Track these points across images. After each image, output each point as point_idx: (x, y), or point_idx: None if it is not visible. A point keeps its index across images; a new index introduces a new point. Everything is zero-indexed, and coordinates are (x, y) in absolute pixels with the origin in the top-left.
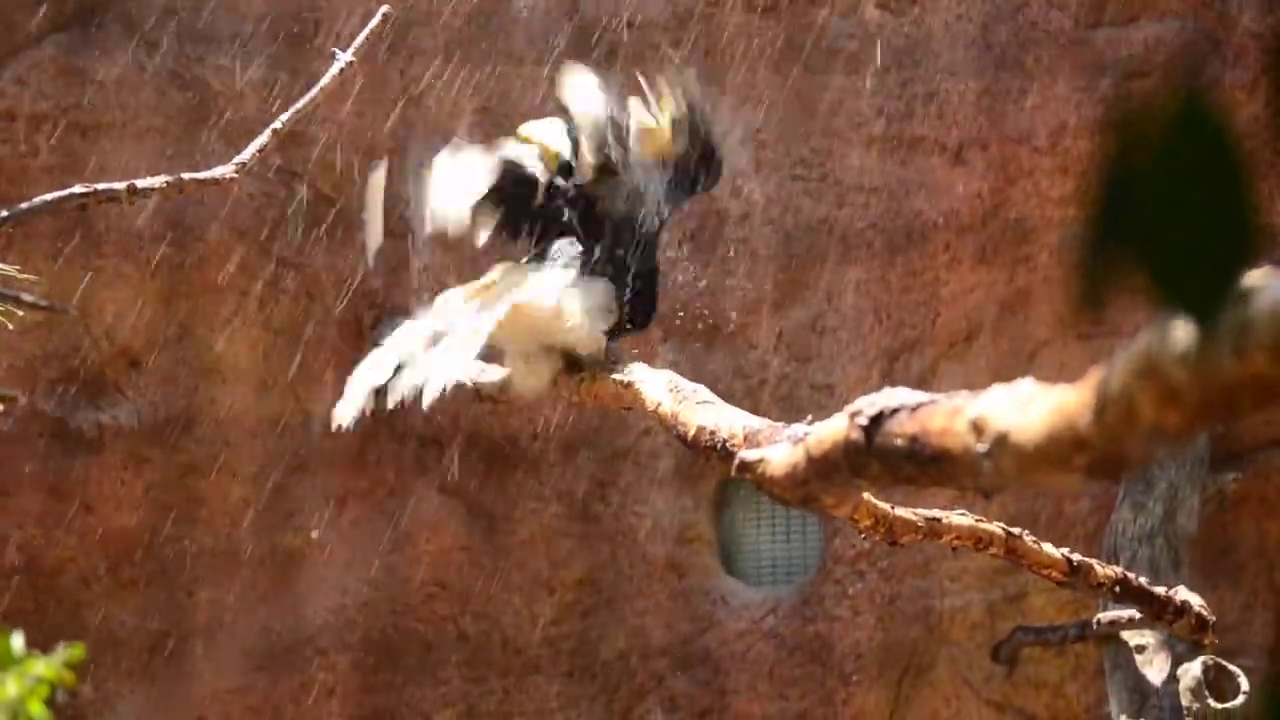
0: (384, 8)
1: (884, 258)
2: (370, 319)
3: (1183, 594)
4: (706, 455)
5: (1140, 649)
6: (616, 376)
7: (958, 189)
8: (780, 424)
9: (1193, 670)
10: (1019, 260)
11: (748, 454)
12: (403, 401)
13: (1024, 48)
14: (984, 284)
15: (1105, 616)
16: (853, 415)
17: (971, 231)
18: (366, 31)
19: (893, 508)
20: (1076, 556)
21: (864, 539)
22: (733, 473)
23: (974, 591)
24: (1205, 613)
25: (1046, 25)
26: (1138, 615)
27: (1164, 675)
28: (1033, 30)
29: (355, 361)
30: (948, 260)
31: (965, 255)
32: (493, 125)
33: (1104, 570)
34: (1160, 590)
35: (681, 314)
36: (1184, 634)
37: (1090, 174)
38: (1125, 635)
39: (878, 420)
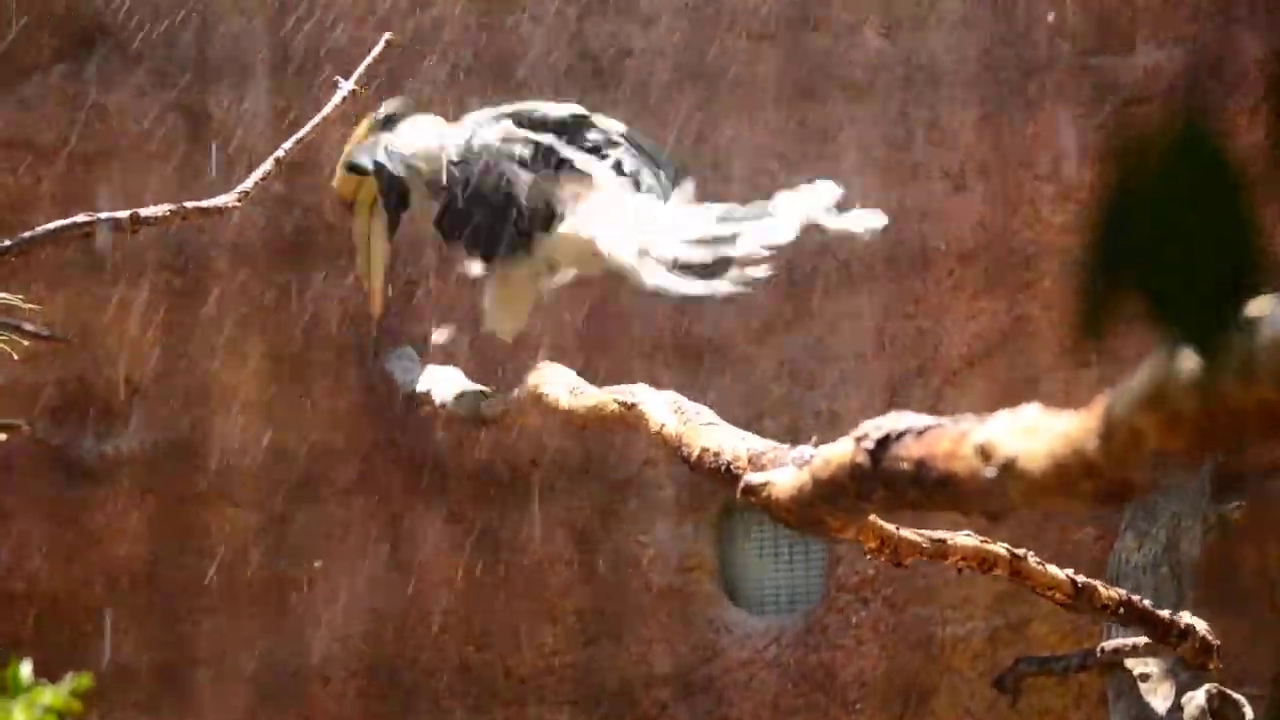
0: (386, 35)
1: (886, 284)
2: (373, 347)
3: (1187, 618)
4: (710, 477)
5: (1144, 677)
6: (620, 398)
7: (960, 215)
8: (785, 446)
9: (1197, 699)
10: (1021, 287)
11: (753, 477)
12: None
13: (1026, 74)
14: (987, 311)
15: (1109, 645)
16: (858, 439)
17: (974, 258)
18: (369, 60)
19: (898, 529)
20: (1081, 578)
21: (867, 567)
22: (737, 495)
23: (977, 619)
24: (1209, 636)
25: (1048, 52)
26: (1141, 643)
27: (1168, 704)
28: (1034, 57)
29: (359, 390)
30: (950, 287)
31: (968, 282)
32: None
33: (1108, 592)
34: (1164, 613)
35: (683, 339)
36: (1188, 657)
37: (1092, 201)
38: (1129, 664)
39: (884, 444)
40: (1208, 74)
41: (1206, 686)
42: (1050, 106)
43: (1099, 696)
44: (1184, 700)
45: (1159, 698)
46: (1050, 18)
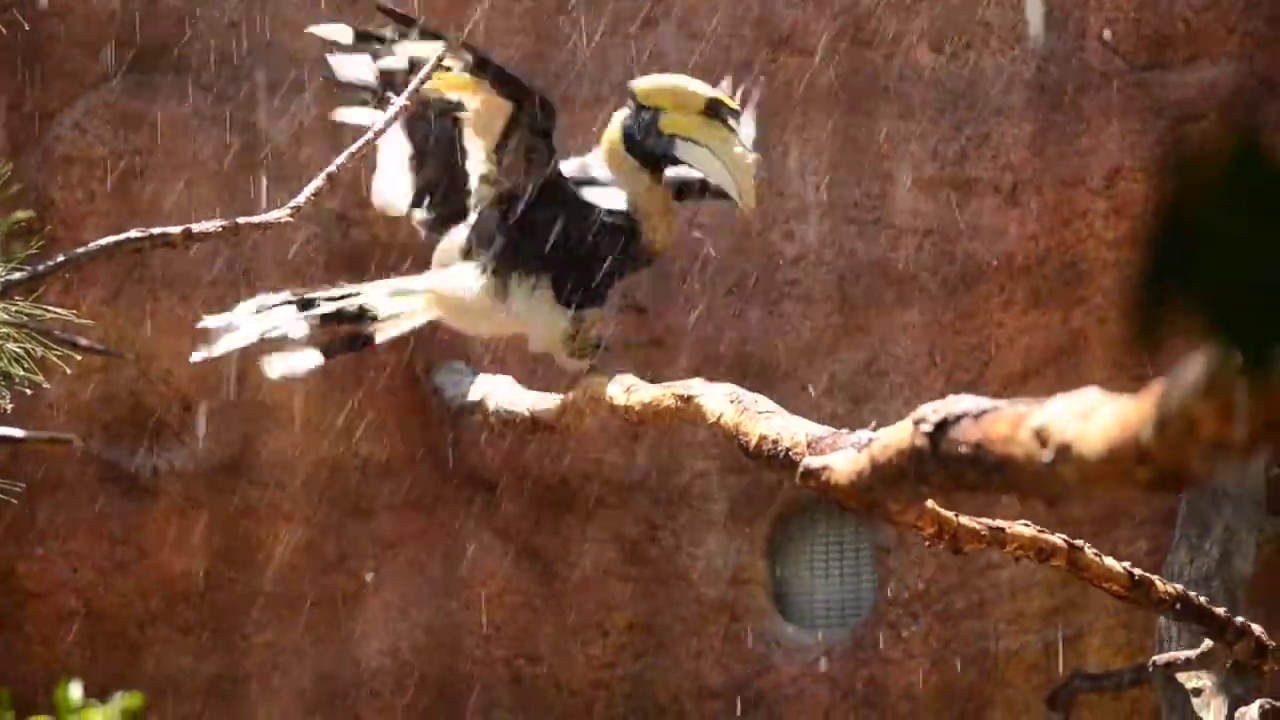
0: (438, 51)
1: (938, 300)
2: (423, 363)
3: (1242, 619)
4: (769, 464)
5: (1197, 692)
6: (676, 390)
7: (1012, 231)
8: (844, 431)
9: (1250, 714)
10: (1074, 302)
11: (812, 461)
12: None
13: (1078, 89)
14: (1038, 326)
15: (1161, 659)
16: (917, 422)
17: (1026, 274)
18: (421, 76)
19: (956, 516)
20: (1138, 571)
21: (918, 581)
22: (796, 480)
23: (1030, 633)
24: (1264, 638)
25: (1101, 67)
26: (1194, 656)
27: (1221, 718)
28: (1087, 72)
29: (410, 405)
30: (1002, 302)
31: (1019, 297)
32: None
33: (1165, 586)
34: (1220, 610)
35: (735, 356)
36: (1243, 657)
37: (1146, 216)
38: (1181, 678)
39: (942, 427)
40: (1262, 89)
41: (1260, 701)
42: (1103, 122)
43: (1152, 711)
44: (1237, 715)
45: (1212, 712)
46: (1105, 34)
